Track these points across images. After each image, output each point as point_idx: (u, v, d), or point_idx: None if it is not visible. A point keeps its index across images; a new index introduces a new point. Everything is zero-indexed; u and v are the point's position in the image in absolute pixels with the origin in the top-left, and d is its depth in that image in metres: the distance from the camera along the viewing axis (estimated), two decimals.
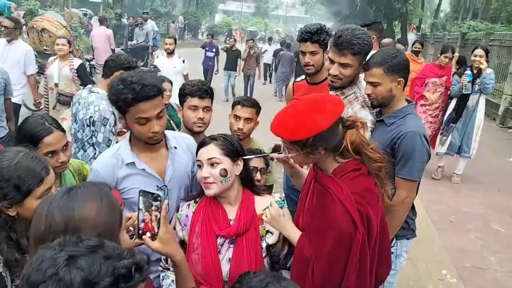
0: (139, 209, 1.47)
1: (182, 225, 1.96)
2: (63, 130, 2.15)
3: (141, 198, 1.45)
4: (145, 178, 2.01)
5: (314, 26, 2.96)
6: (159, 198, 1.44)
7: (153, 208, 1.45)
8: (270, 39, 18.85)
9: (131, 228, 1.56)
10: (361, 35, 2.37)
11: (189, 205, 1.99)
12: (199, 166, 1.90)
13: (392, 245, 2.40)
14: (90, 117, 3.03)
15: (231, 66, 12.21)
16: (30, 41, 8.35)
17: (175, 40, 7.49)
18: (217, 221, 1.88)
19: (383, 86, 2.29)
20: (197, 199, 1.99)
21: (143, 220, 1.47)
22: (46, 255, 0.91)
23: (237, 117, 2.78)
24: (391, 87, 2.30)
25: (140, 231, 1.48)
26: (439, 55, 6.74)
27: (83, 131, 3.09)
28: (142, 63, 12.69)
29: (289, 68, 12.85)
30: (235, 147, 1.93)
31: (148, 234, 1.45)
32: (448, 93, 6.51)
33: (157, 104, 1.89)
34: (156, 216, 1.45)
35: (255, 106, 2.82)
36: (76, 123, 3.16)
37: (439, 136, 6.51)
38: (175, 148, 2.13)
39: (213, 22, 48.19)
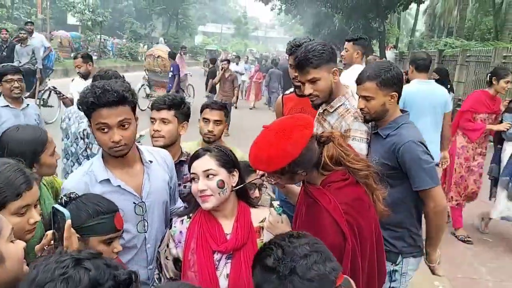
0: (53, 227, 1.42)
1: (176, 242, 1.89)
2: None
3: (53, 215, 1.40)
4: (121, 195, 1.91)
5: (304, 40, 2.97)
6: (64, 217, 1.38)
7: (55, 226, 1.40)
8: (237, 57, 17.15)
9: (45, 248, 1.49)
10: (314, 47, 2.32)
11: (182, 220, 1.92)
12: (194, 179, 1.84)
13: (397, 263, 2.38)
14: (84, 129, 3.09)
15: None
16: (146, 63, 12.89)
17: (87, 57, 5.20)
18: (213, 236, 1.82)
19: (376, 101, 2.27)
20: (191, 214, 1.92)
21: (55, 239, 1.42)
22: (50, 259, 0.94)
23: (206, 120, 2.81)
24: (384, 101, 2.28)
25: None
26: (492, 81, 4.91)
27: (77, 145, 3.12)
28: (27, 94, 8.66)
29: (277, 83, 14.68)
30: (230, 158, 1.89)
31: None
32: (497, 135, 5.05)
33: (120, 112, 1.81)
34: (61, 235, 1.40)
35: (223, 109, 2.85)
36: (68, 138, 3.15)
37: (506, 193, 4.82)
38: (150, 162, 2.04)
39: (193, 43, 48.50)
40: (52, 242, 1.43)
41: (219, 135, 2.78)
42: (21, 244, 1.26)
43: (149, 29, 37.82)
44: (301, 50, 2.33)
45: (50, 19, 24.21)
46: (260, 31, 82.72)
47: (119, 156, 1.90)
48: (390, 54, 22.01)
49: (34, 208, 1.57)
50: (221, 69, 10.44)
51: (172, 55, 11.81)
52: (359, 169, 1.78)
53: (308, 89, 2.38)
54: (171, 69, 11.32)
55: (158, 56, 11.99)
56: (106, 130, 1.81)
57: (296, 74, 2.97)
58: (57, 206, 1.40)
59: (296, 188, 2.10)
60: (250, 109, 15.79)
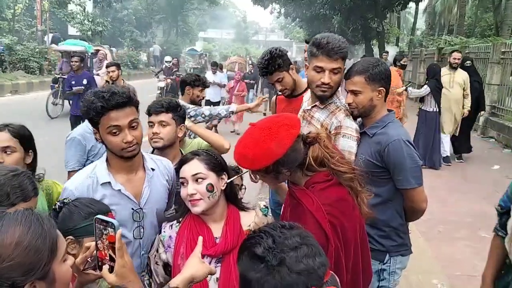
0: (95, 238, 1.42)
1: (165, 247, 1.90)
2: None
3: (96, 225, 1.40)
4: (121, 200, 1.95)
5: (266, 58, 3.07)
6: (113, 227, 1.37)
7: (104, 236, 1.39)
8: (214, 64, 12.52)
9: (88, 260, 1.50)
10: (343, 40, 2.40)
11: (171, 225, 1.94)
12: (183, 184, 1.85)
13: (385, 261, 2.38)
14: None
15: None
16: (228, 67, 18.44)
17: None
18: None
19: (364, 95, 2.29)
20: (180, 219, 1.94)
21: (98, 249, 1.41)
22: None
23: (151, 123, 2.63)
24: (372, 96, 2.29)
25: (100, 262, 1.42)
26: None
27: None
28: None
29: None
30: (218, 161, 1.90)
31: (107, 266, 1.40)
32: None
33: (129, 113, 1.87)
34: (108, 245, 1.39)
35: (170, 110, 2.62)
36: None
37: None
38: (153, 170, 2.09)
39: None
40: (94, 253, 1.43)
41: (169, 138, 2.58)
42: (70, 262, 1.25)
43: (149, 37, 38.01)
44: (332, 37, 2.37)
45: (51, 30, 24.37)
46: (260, 35, 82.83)
47: (132, 156, 1.95)
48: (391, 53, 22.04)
49: None
50: (109, 79, 6.57)
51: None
52: (344, 172, 1.76)
53: (328, 78, 2.37)
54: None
55: (235, 61, 18.17)
56: (117, 132, 1.86)
57: (280, 87, 3.16)
58: (101, 216, 1.40)
59: (286, 186, 2.11)
60: (232, 132, 11.24)
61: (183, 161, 1.89)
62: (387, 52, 16.39)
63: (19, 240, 1.10)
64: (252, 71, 15.92)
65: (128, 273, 1.40)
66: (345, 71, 2.40)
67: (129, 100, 1.87)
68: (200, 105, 4.54)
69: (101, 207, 1.76)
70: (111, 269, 1.39)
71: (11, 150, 2.16)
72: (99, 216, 1.41)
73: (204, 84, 4.53)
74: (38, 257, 1.12)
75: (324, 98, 2.46)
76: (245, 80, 13.45)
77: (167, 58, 15.97)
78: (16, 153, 2.17)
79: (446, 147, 8.01)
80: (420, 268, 4.20)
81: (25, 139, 2.22)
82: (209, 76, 11.74)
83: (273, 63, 3.02)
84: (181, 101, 4.29)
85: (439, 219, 5.50)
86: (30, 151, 2.26)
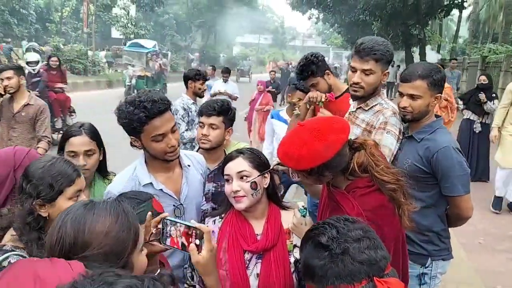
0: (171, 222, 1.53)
1: None
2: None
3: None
4: (162, 198, 2.00)
5: (301, 64, 3.15)
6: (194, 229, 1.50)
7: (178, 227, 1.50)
8: (226, 71, 9.47)
9: (153, 231, 1.59)
10: (382, 42, 2.40)
11: (214, 220, 1.99)
12: (227, 181, 1.90)
13: (427, 265, 2.36)
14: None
15: None
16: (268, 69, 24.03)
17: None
18: (244, 236, 1.87)
19: (423, 100, 2.25)
20: (222, 215, 1.99)
21: (170, 235, 1.50)
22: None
23: (201, 124, 2.71)
24: (429, 102, 2.27)
25: (166, 238, 1.53)
26: None
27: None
28: None
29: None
30: (262, 160, 1.94)
31: (193, 245, 1.49)
32: None
33: (169, 118, 1.92)
34: (180, 231, 1.50)
35: (222, 114, 2.68)
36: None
37: None
38: (189, 166, 2.16)
39: (231, 54, 49.10)
40: (160, 226, 1.55)
41: (217, 141, 2.65)
42: (144, 252, 1.31)
43: (189, 41, 38.70)
44: (369, 39, 2.44)
45: (96, 33, 25.22)
46: (297, 41, 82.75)
47: (174, 159, 2.01)
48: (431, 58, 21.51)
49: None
50: (2, 91, 4.31)
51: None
52: (387, 182, 1.73)
53: (357, 78, 2.44)
54: None
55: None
56: (161, 138, 1.90)
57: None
58: (171, 218, 1.54)
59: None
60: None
61: (228, 159, 1.94)
62: (456, 59, 15.46)
63: (109, 229, 1.15)
64: (275, 79, 14.23)
65: (211, 260, 1.51)
66: (401, 74, 2.39)
67: (169, 105, 1.92)
68: (202, 97, 5.00)
69: (145, 195, 1.81)
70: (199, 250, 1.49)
71: (92, 152, 2.30)
72: (168, 218, 1.54)
73: (204, 77, 4.89)
74: (124, 247, 1.17)
75: (355, 98, 2.53)
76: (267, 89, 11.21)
77: (29, 56, 9.64)
78: (95, 155, 2.32)
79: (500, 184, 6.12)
80: (459, 279, 4.10)
81: (98, 138, 2.35)
82: (219, 85, 9.20)
83: (307, 69, 3.09)
84: (185, 95, 4.83)
85: (480, 230, 5.36)
86: (102, 148, 2.39)
